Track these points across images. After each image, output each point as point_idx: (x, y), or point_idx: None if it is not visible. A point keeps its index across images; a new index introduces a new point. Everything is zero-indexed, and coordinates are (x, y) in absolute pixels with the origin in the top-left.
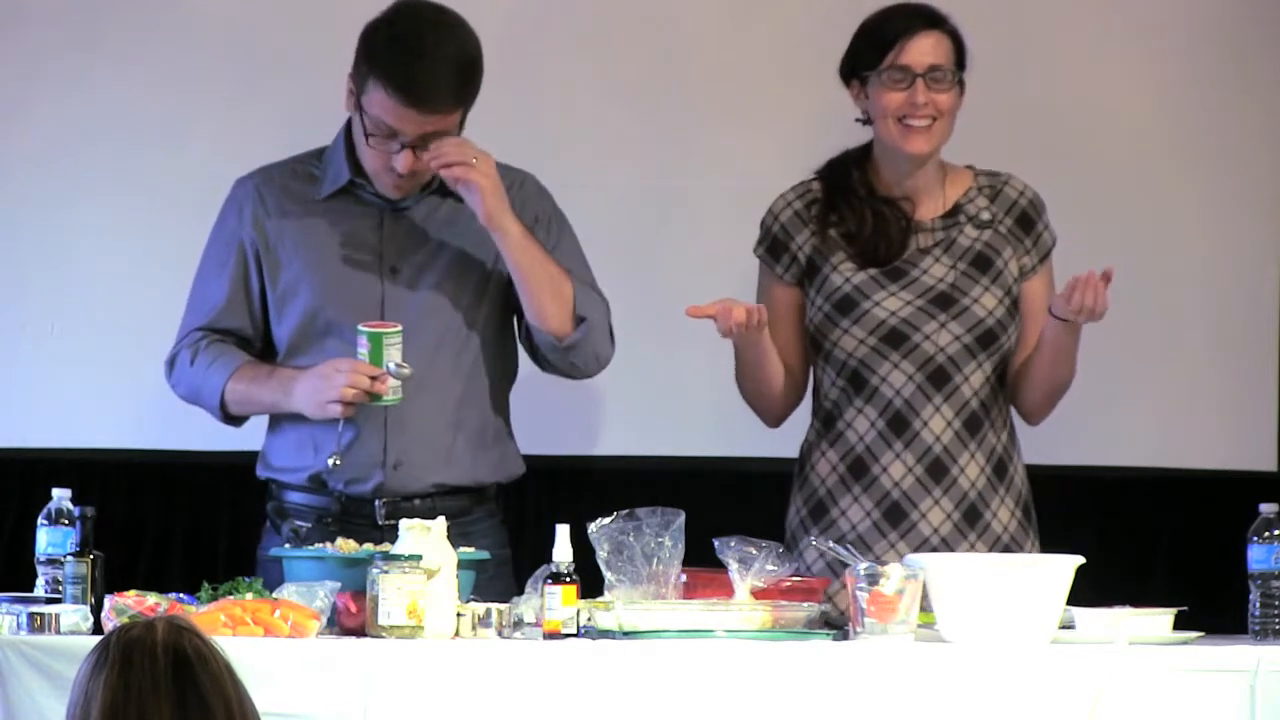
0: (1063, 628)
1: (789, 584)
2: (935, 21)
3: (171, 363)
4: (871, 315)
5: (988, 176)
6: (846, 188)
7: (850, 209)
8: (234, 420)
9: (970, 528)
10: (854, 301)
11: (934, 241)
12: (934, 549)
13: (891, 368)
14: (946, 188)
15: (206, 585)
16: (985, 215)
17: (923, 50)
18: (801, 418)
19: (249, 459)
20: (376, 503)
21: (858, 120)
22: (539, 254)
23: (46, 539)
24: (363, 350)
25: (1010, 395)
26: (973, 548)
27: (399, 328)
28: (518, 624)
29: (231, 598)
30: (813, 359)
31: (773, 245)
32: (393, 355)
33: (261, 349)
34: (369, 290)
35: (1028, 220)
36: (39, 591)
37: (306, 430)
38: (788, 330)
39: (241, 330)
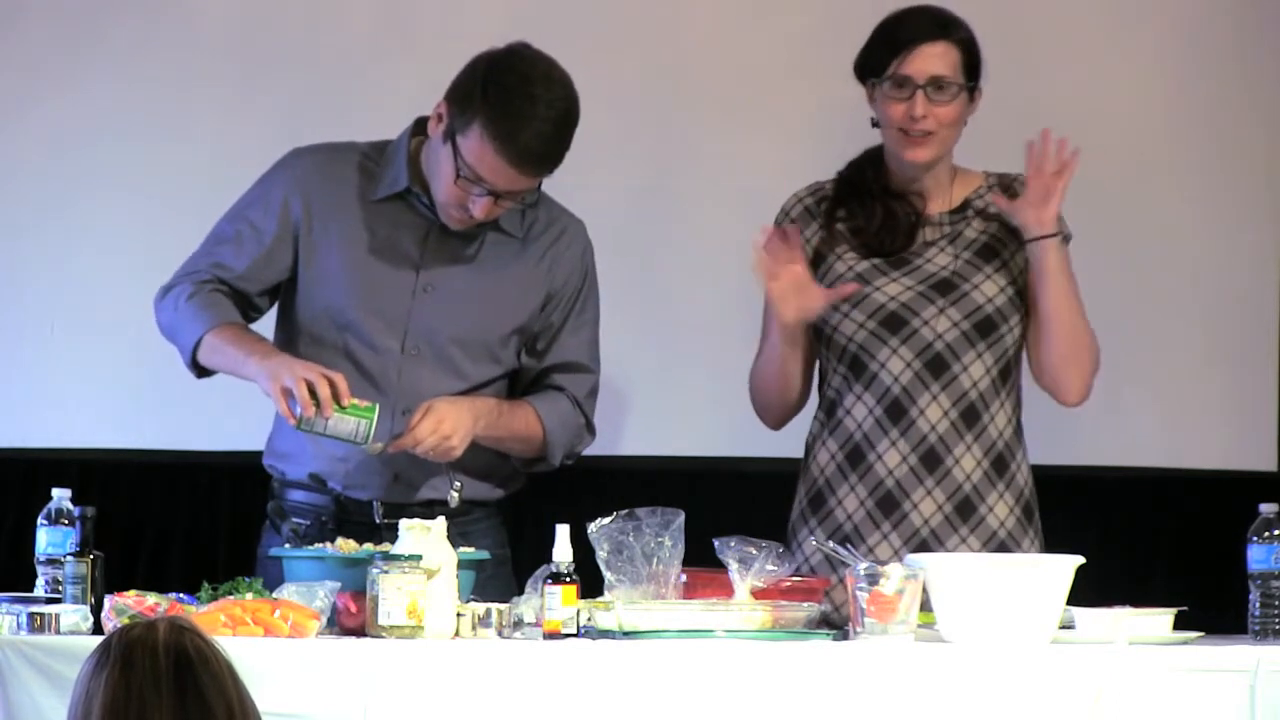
0: (1063, 628)
1: (789, 584)
2: (944, 30)
3: (167, 289)
4: (871, 299)
5: (998, 176)
6: (861, 184)
7: (861, 204)
8: (198, 370)
9: (963, 521)
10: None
11: (941, 235)
12: (924, 540)
13: (890, 353)
14: (956, 187)
15: (206, 585)
16: (993, 209)
17: (926, 61)
18: (804, 419)
19: (249, 459)
20: (374, 503)
21: (871, 120)
22: (504, 433)
23: (46, 539)
24: (360, 403)
25: (1039, 376)
26: (964, 542)
27: (374, 446)
28: (518, 624)
29: (231, 598)
30: (817, 349)
31: None
32: (340, 428)
33: (256, 317)
34: (398, 301)
35: None
36: (39, 591)
37: None
38: None
39: (247, 291)
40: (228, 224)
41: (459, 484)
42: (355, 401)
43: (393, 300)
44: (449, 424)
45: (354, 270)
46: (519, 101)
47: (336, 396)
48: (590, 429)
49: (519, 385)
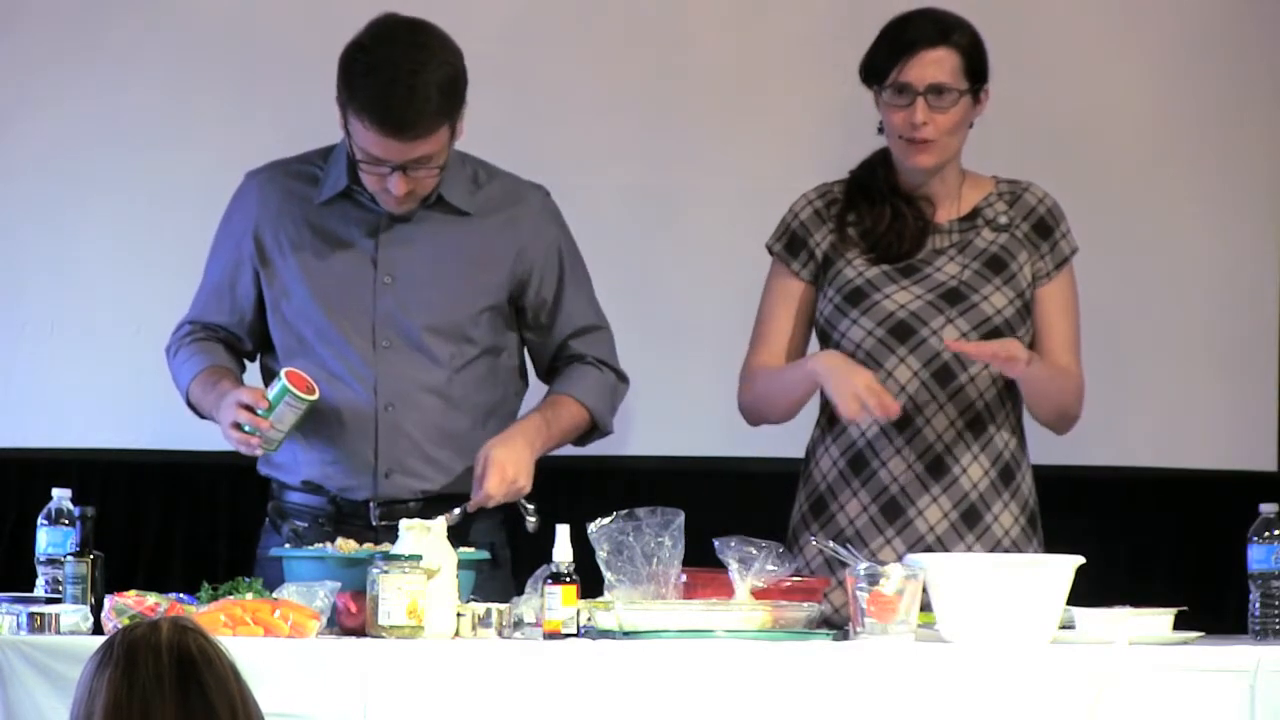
0: (1063, 628)
1: (789, 584)
2: (945, 35)
3: (167, 350)
4: (880, 307)
5: (1008, 184)
6: (871, 185)
7: (870, 205)
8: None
9: (969, 529)
10: (864, 293)
11: (950, 243)
12: (929, 548)
13: (898, 362)
14: (965, 192)
15: (206, 585)
16: (1003, 219)
17: (925, 67)
18: (807, 418)
19: (249, 459)
20: (371, 505)
21: (879, 125)
22: (558, 439)
23: (46, 539)
24: (271, 391)
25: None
26: (970, 550)
27: (313, 398)
28: (518, 624)
29: (231, 598)
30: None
31: (791, 241)
32: (286, 416)
33: (256, 346)
34: (361, 299)
35: (1045, 227)
36: (39, 591)
37: (301, 429)
38: (796, 326)
39: (227, 326)
40: (205, 271)
41: (532, 507)
42: (264, 394)
43: (356, 297)
44: (512, 468)
45: (313, 276)
46: (372, 73)
47: (254, 410)
48: (623, 379)
49: (540, 364)
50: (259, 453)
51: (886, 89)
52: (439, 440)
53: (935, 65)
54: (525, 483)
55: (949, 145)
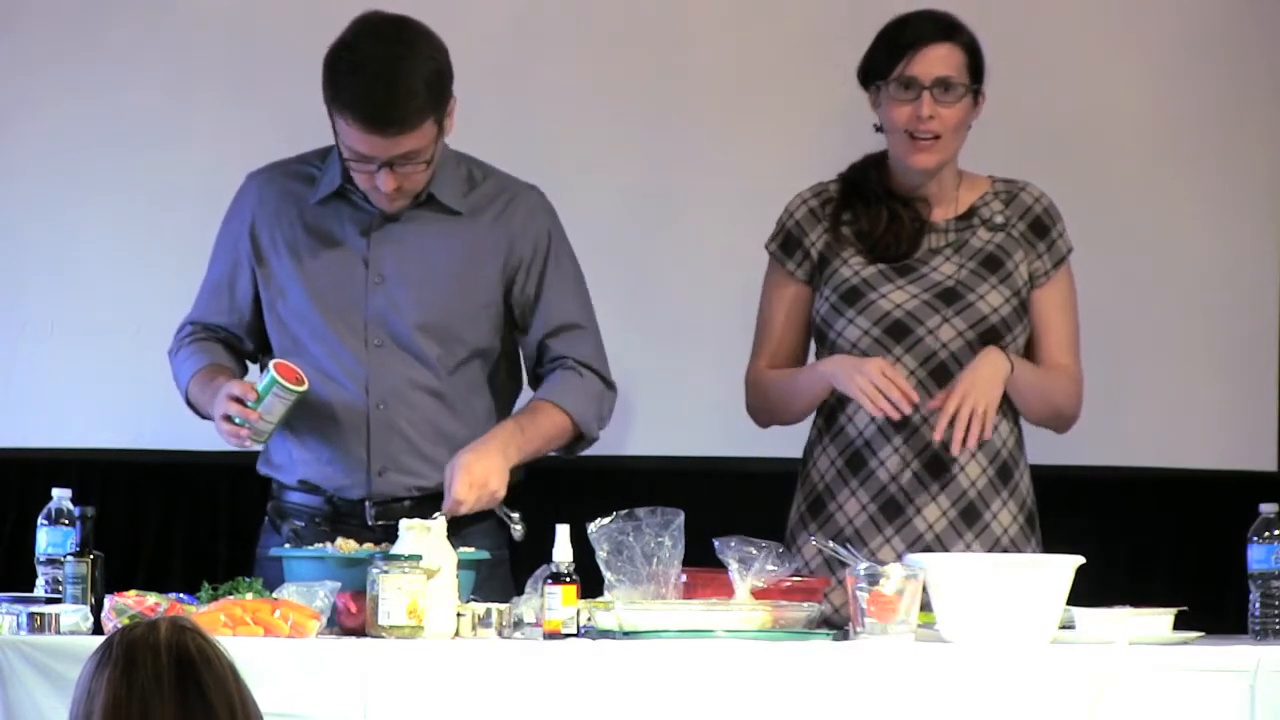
0: (1063, 628)
1: (789, 584)
2: (948, 32)
3: (170, 351)
4: (876, 306)
5: (1004, 183)
6: (864, 187)
7: (866, 207)
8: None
9: (968, 527)
10: (860, 293)
11: (946, 242)
12: (928, 546)
13: (894, 361)
14: (962, 192)
15: (206, 585)
16: (999, 219)
17: (932, 62)
18: (804, 422)
19: (249, 459)
20: (366, 504)
21: (875, 127)
22: (537, 444)
23: (46, 539)
24: (260, 383)
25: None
26: (969, 548)
27: (302, 389)
28: (518, 624)
29: (231, 598)
30: (819, 353)
31: (786, 241)
32: (274, 407)
33: (256, 346)
34: (354, 298)
35: (1041, 226)
36: (39, 591)
37: (295, 428)
38: (794, 328)
39: (227, 326)
40: (206, 271)
41: (516, 515)
42: (253, 386)
43: (349, 297)
44: (480, 472)
45: (308, 276)
46: (365, 71)
47: (244, 402)
48: (610, 386)
49: (526, 368)
50: (249, 445)
51: (890, 84)
52: (433, 438)
53: (941, 60)
54: (497, 486)
55: (950, 144)
